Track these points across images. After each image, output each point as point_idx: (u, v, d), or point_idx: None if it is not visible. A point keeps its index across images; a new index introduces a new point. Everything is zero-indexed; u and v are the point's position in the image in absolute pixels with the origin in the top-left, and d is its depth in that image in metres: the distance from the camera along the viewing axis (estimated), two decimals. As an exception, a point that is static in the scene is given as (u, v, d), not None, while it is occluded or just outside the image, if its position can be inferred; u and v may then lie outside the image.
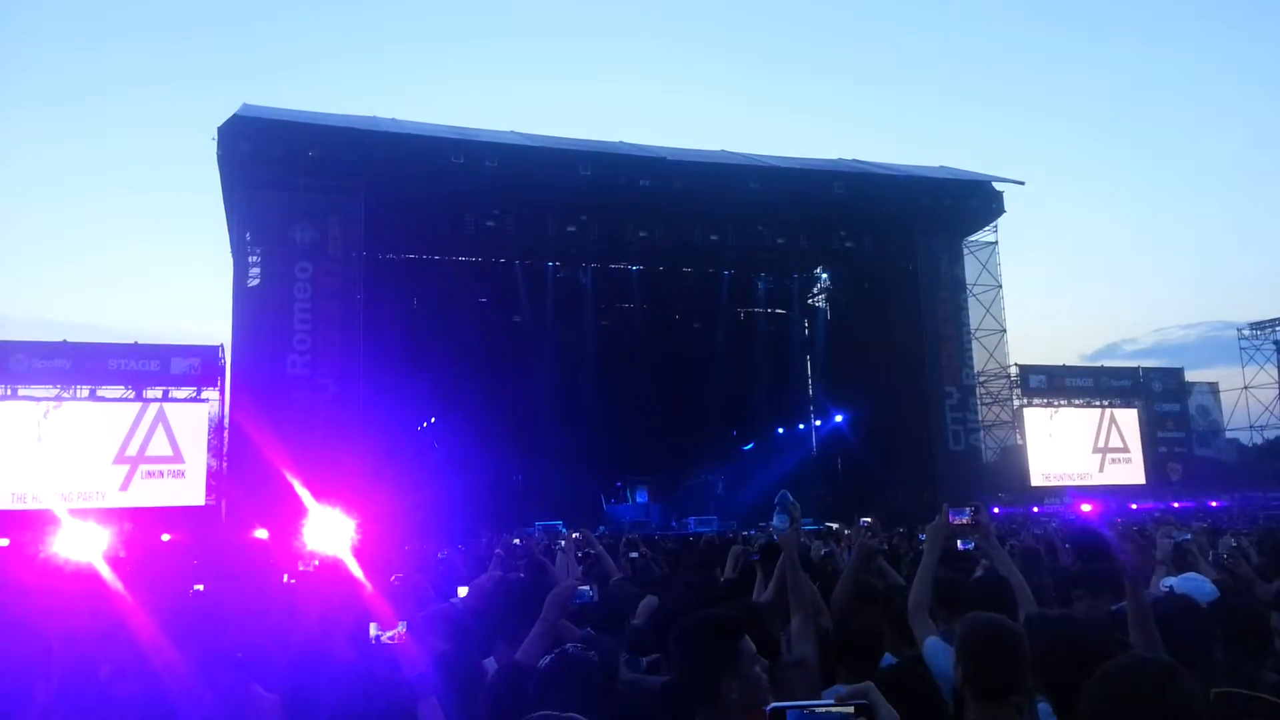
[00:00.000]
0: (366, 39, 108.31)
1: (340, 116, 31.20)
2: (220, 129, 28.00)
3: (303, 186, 28.52)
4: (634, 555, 8.72)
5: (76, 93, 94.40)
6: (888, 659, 3.94)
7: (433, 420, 33.60)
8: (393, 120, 32.09)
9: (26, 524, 21.37)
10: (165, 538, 16.87)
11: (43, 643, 2.84)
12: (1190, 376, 42.55)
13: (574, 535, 7.28)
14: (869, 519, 5.50)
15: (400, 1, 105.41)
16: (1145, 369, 42.12)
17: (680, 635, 3.00)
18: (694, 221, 33.09)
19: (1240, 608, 3.86)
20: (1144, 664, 2.30)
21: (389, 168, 29.10)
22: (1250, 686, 2.97)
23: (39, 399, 28.71)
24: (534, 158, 31.00)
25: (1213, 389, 42.71)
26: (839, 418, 37.27)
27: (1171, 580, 4.72)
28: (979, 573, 5.32)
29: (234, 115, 28.20)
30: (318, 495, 25.30)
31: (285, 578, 7.58)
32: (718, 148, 35.71)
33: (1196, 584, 4.55)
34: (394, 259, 33.40)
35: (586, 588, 4.16)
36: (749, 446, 38.48)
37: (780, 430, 38.85)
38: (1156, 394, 40.59)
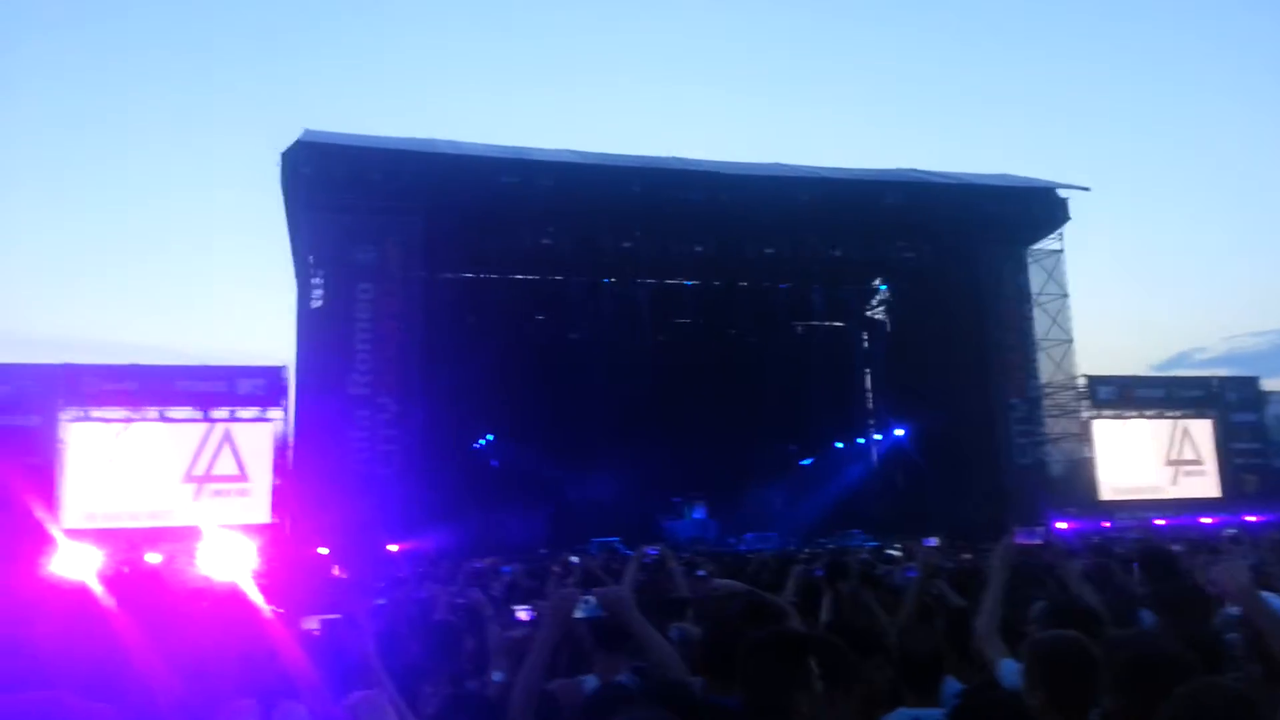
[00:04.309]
0: (423, 63, 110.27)
1: (399, 139, 31.76)
2: (284, 154, 28.70)
3: (363, 208, 29.06)
4: (700, 574, 8.59)
5: (139, 121, 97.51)
6: (952, 685, 3.81)
7: (490, 437, 33.81)
8: (449, 142, 32.55)
9: (98, 543, 21.86)
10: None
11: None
12: (1265, 385, 41.23)
13: (646, 549, 6.87)
14: (935, 539, 5.39)
15: (456, 26, 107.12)
16: (1219, 378, 40.90)
17: (753, 650, 2.96)
18: (748, 235, 32.96)
19: None
20: (1219, 687, 2.28)
21: (446, 188, 29.52)
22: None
23: (110, 420, 29.52)
24: (587, 175, 31.27)
25: (1290, 398, 41.30)
26: (900, 431, 36.70)
27: None
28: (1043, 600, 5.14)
29: (297, 140, 28.88)
30: (379, 513, 25.80)
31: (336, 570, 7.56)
32: (770, 159, 35.59)
33: (1275, 603, 4.29)
34: (451, 278, 33.77)
35: (591, 598, 3.60)
36: (808, 461, 38.07)
37: (840, 444, 38.36)
38: (1231, 404, 39.37)
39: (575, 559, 10.77)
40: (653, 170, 32.58)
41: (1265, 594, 4.74)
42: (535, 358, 33.21)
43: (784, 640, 3.02)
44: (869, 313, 40.02)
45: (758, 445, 35.13)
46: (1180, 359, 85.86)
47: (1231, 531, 11.63)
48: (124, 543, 24.06)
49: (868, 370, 39.60)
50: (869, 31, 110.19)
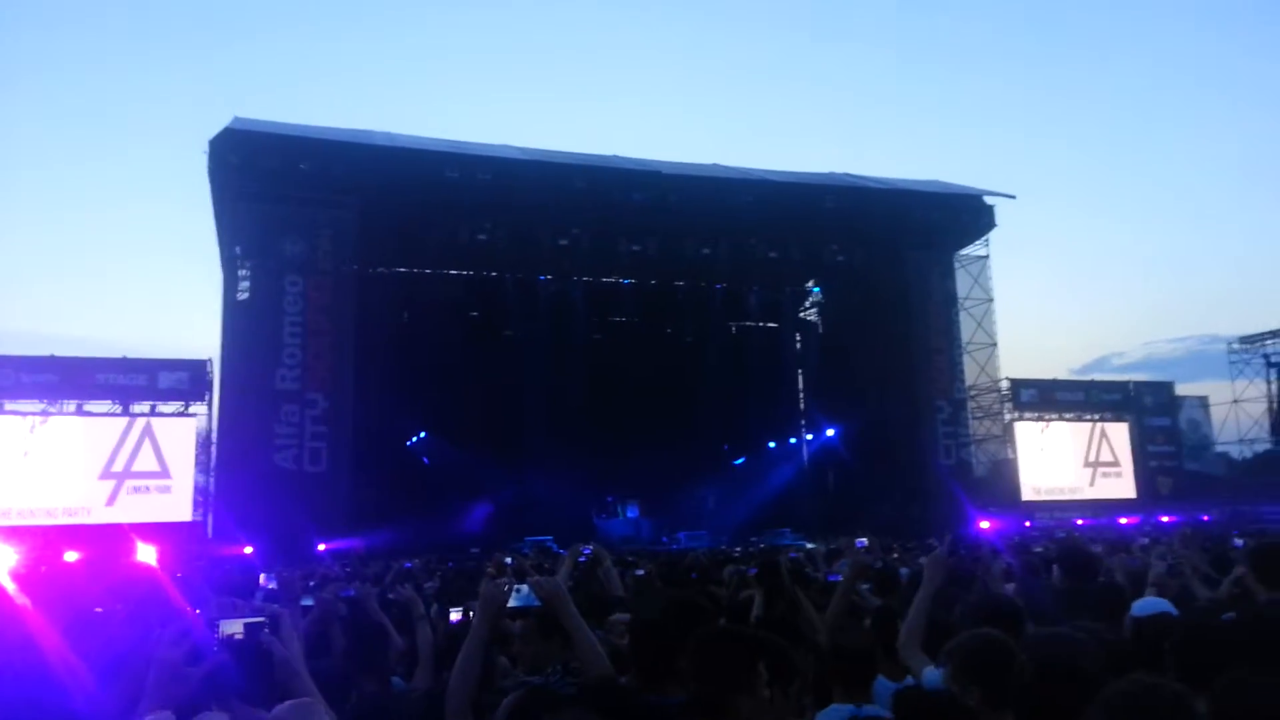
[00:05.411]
0: (360, 52, 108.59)
1: (333, 129, 31.16)
2: (212, 142, 27.94)
3: (294, 199, 28.46)
4: (640, 573, 8.62)
5: (68, 106, 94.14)
6: (883, 683, 3.86)
7: (423, 435, 33.41)
8: (386, 133, 32.06)
9: (12, 541, 21.12)
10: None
11: None
12: (1180, 390, 42.70)
13: (581, 547, 6.78)
14: (865, 539, 5.47)
15: (394, 15, 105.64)
16: (1136, 383, 42.22)
17: (700, 646, 2.92)
18: (686, 235, 33.06)
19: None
20: (1151, 687, 2.20)
21: (381, 181, 29.03)
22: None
23: (25, 414, 28.51)
24: (526, 171, 31.01)
25: (1203, 403, 42.82)
26: (830, 431, 37.19)
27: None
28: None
29: (226, 128, 28.16)
30: (307, 511, 25.33)
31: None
32: (710, 161, 35.78)
33: (1156, 605, 4.33)
34: (385, 272, 33.27)
35: (524, 588, 3.55)
36: (740, 461, 38.36)
37: (772, 444, 38.73)
38: (1147, 408, 40.67)
39: (509, 559, 10.69)
40: (593, 168, 32.48)
41: (1153, 599, 4.84)
42: (469, 354, 32.85)
43: (741, 639, 2.99)
44: (802, 314, 40.45)
45: (691, 444, 35.22)
46: (1099, 363, 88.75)
47: (1144, 541, 12.07)
48: (39, 540, 23.29)
49: (800, 371, 40.00)
50: (809, 43, 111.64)
